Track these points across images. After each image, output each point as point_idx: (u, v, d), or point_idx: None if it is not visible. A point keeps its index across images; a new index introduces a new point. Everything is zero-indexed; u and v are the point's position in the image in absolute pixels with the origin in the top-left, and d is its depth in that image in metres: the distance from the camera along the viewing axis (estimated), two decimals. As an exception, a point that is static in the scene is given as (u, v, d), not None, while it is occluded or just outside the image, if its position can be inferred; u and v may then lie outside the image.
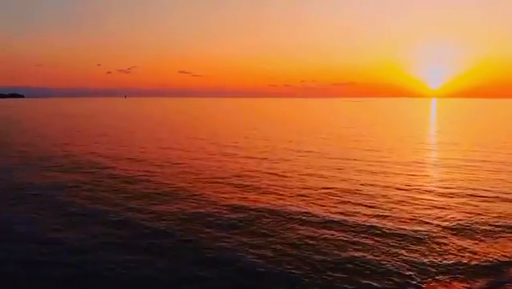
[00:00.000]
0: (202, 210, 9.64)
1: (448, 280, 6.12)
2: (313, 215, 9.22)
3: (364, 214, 9.28)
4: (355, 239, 7.75)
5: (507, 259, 6.82)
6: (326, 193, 11.23)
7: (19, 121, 45.89)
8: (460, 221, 8.74)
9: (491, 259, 6.82)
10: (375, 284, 5.98)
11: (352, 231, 8.18)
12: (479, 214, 9.23)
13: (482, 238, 7.77)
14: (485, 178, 13.25)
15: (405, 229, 8.25)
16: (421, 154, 19.07)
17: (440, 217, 9.03)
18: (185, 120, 49.51)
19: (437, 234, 7.97)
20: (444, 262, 6.73)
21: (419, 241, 7.64)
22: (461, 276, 6.24)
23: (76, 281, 6.24)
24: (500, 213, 9.36)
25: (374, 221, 8.76)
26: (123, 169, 14.99)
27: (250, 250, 7.22)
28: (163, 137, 27.08)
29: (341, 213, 9.35)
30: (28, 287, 6.07)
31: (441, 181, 12.90)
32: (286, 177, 13.61)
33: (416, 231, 8.15)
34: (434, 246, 7.41)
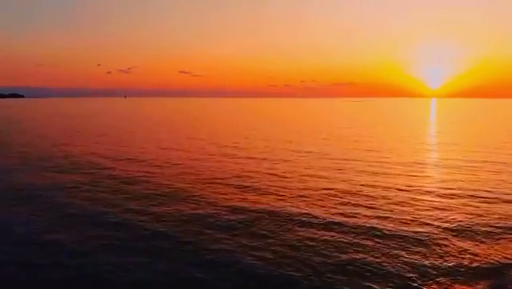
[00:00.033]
0: (202, 211, 9.60)
1: (449, 282, 6.08)
2: (313, 216, 9.18)
3: (365, 215, 9.24)
4: (355, 241, 7.71)
5: (509, 261, 6.78)
6: (326, 194, 11.19)
7: (19, 121, 45.86)
8: (461, 223, 8.70)
9: (492, 261, 6.78)
10: (375, 286, 5.94)
11: (352, 233, 8.14)
12: (480, 215, 9.19)
13: (483, 240, 7.73)
14: (485, 179, 13.21)
15: (406, 231, 8.21)
16: (422, 155, 19.03)
17: (440, 219, 8.99)
18: (185, 120, 49.47)
19: (438, 236, 7.93)
20: (445, 264, 6.69)
21: (420, 242, 7.60)
22: (462, 278, 6.20)
23: (76, 283, 6.20)
24: (501, 214, 9.31)
25: (374, 223, 8.72)
26: (123, 170, 14.95)
27: (250, 252, 7.18)
28: (163, 137, 27.05)
29: (341, 215, 9.31)
30: (26, 290, 6.03)
31: (442, 181, 12.86)
32: (286, 177, 13.56)
33: (416, 233, 8.11)
34: (435, 247, 7.38)
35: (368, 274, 6.35)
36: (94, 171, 14.79)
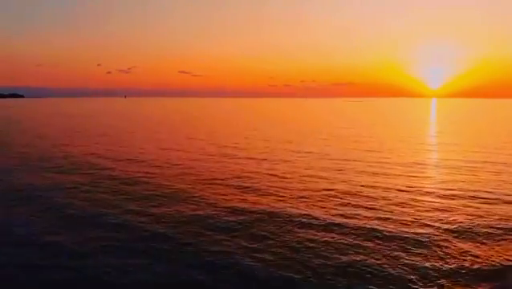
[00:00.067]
0: (201, 212, 9.57)
1: (450, 285, 6.05)
2: (313, 217, 9.15)
3: (365, 217, 9.21)
4: (355, 242, 7.68)
5: (510, 263, 6.75)
6: (326, 195, 11.16)
7: (19, 121, 45.83)
8: (461, 224, 8.67)
9: (493, 263, 6.75)
10: (376, 289, 5.91)
11: (353, 234, 8.11)
12: (481, 217, 9.16)
13: (484, 241, 7.70)
14: (486, 180, 13.18)
15: (406, 232, 8.18)
16: (422, 155, 19.01)
17: (441, 220, 8.95)
18: (185, 120, 49.44)
19: (439, 237, 7.90)
20: (446, 266, 6.66)
21: (420, 244, 7.57)
22: (463, 281, 6.18)
23: (75, 285, 6.19)
24: (502, 215, 9.28)
25: (375, 224, 8.69)
26: (123, 170, 14.92)
27: (250, 254, 7.15)
28: (163, 138, 27.02)
29: (341, 216, 9.28)
30: (25, 292, 6.01)
31: (442, 182, 12.82)
32: (286, 178, 13.53)
33: (417, 234, 8.08)
34: (436, 249, 7.35)
35: (369, 276, 6.33)
36: (94, 171, 14.76)
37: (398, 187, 12.11)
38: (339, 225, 8.65)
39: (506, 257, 6.98)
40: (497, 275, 6.37)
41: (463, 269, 6.54)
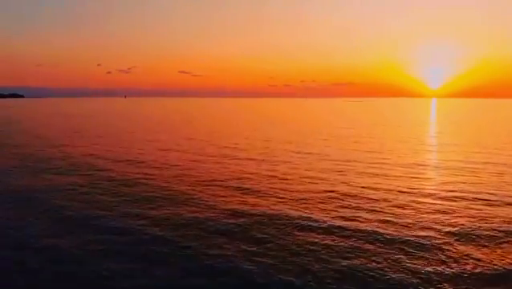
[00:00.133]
0: (201, 215, 9.49)
1: (452, 289, 5.96)
2: (313, 220, 9.06)
3: (365, 219, 9.12)
4: (356, 245, 7.59)
5: (512, 267, 6.66)
6: (326, 197, 11.07)
7: (19, 121, 45.75)
8: (463, 226, 8.58)
9: (496, 267, 6.66)
10: (377, 294, 5.83)
11: (353, 237, 8.02)
12: (483, 219, 9.07)
13: (486, 244, 7.62)
14: (487, 181, 13.09)
15: (407, 235, 8.09)
16: (422, 156, 18.92)
17: (443, 222, 8.87)
18: (185, 120, 49.36)
19: (440, 240, 7.82)
20: (448, 269, 6.57)
21: (422, 247, 7.48)
22: (465, 285, 6.09)
23: (71, 290, 6.10)
24: (504, 217, 9.20)
25: (375, 227, 8.60)
26: (122, 172, 14.83)
27: (249, 257, 7.06)
28: (162, 138, 26.93)
29: (342, 218, 9.19)
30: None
31: (443, 183, 12.74)
32: (286, 179, 13.45)
33: (418, 237, 8.00)
34: (437, 252, 7.26)
35: (370, 280, 6.24)
36: (92, 172, 14.68)
37: (399, 188, 12.02)
38: (339, 227, 8.57)
39: (509, 260, 6.90)
40: (499, 279, 6.28)
41: (465, 273, 6.46)
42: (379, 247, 7.49)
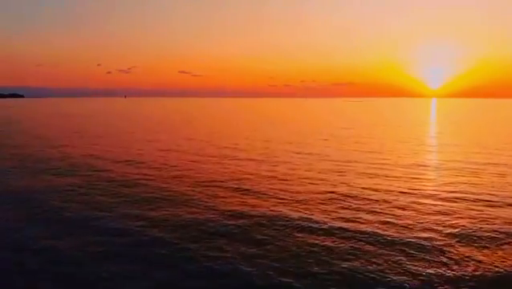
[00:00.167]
0: (200, 216, 9.44)
1: (453, 292, 5.92)
2: (313, 221, 9.02)
3: (366, 220, 9.08)
4: (356, 247, 7.55)
5: (514, 269, 6.62)
6: (326, 198, 11.03)
7: (19, 121, 45.72)
8: (464, 228, 8.54)
9: (498, 269, 6.62)
10: (378, 296, 5.79)
11: (354, 238, 7.98)
12: (484, 220, 9.03)
13: (488, 246, 7.57)
14: (488, 181, 13.05)
15: (408, 236, 8.05)
16: (423, 156, 18.88)
17: (443, 224, 8.82)
18: (185, 120, 49.32)
19: (441, 242, 7.77)
20: (449, 271, 6.53)
21: (422, 249, 7.44)
22: (467, 287, 6.04)
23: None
24: (505, 218, 9.15)
25: (376, 228, 8.56)
26: (121, 172, 14.79)
27: (249, 259, 7.02)
28: (162, 138, 26.89)
29: (342, 219, 9.15)
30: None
31: (444, 184, 12.69)
32: (287, 180, 13.41)
33: (419, 238, 7.95)
34: (438, 254, 7.22)
35: (371, 282, 6.20)
36: (92, 173, 14.64)
37: (399, 189, 11.98)
38: (339, 229, 8.52)
39: (511, 262, 6.85)
40: (501, 281, 6.24)
41: (466, 275, 6.41)
42: (380, 249, 7.45)
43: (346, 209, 10.00)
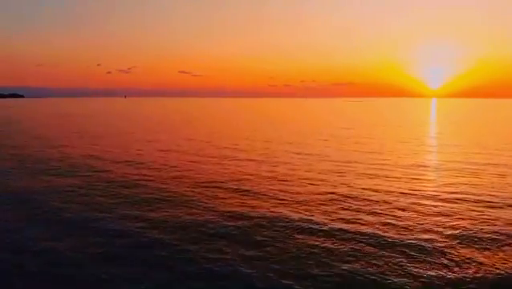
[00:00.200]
0: (200, 218, 9.42)
1: (454, 294, 5.90)
2: (314, 222, 9.00)
3: (366, 221, 9.05)
4: (357, 248, 7.52)
5: (515, 271, 6.59)
6: (327, 199, 11.00)
7: (18, 122, 45.69)
8: (465, 229, 8.51)
9: (499, 271, 6.59)
10: (379, 298, 5.76)
11: (354, 240, 7.95)
12: (485, 221, 9.00)
13: (489, 247, 7.55)
14: (489, 182, 13.02)
15: (409, 238, 8.03)
16: (423, 157, 18.86)
17: (444, 225, 8.80)
18: (185, 120, 49.29)
19: (442, 243, 7.75)
20: (450, 273, 6.50)
21: (423, 250, 7.41)
22: (468, 289, 6.02)
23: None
24: (506, 219, 9.13)
25: (376, 229, 8.53)
26: (121, 173, 14.77)
27: (248, 261, 6.99)
28: (162, 138, 26.87)
29: (342, 220, 9.12)
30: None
31: (444, 185, 12.67)
32: (287, 180, 13.38)
33: (419, 240, 7.92)
34: (439, 255, 7.19)
35: (371, 284, 6.17)
36: (91, 174, 14.61)
37: (400, 190, 11.96)
38: (340, 230, 8.50)
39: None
40: (502, 283, 6.22)
41: (467, 276, 6.39)
42: (381, 250, 7.42)
43: (346, 210, 9.98)
